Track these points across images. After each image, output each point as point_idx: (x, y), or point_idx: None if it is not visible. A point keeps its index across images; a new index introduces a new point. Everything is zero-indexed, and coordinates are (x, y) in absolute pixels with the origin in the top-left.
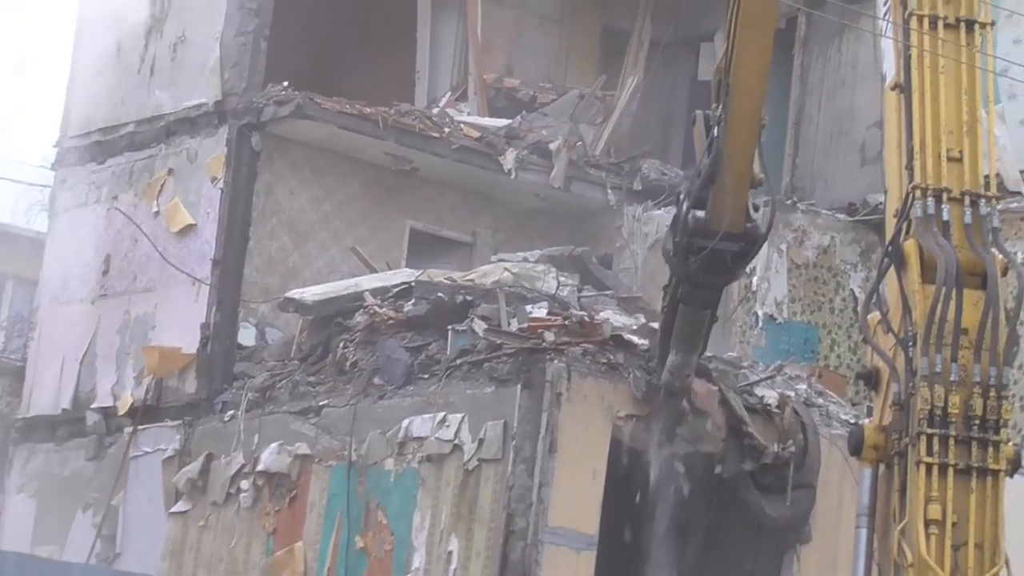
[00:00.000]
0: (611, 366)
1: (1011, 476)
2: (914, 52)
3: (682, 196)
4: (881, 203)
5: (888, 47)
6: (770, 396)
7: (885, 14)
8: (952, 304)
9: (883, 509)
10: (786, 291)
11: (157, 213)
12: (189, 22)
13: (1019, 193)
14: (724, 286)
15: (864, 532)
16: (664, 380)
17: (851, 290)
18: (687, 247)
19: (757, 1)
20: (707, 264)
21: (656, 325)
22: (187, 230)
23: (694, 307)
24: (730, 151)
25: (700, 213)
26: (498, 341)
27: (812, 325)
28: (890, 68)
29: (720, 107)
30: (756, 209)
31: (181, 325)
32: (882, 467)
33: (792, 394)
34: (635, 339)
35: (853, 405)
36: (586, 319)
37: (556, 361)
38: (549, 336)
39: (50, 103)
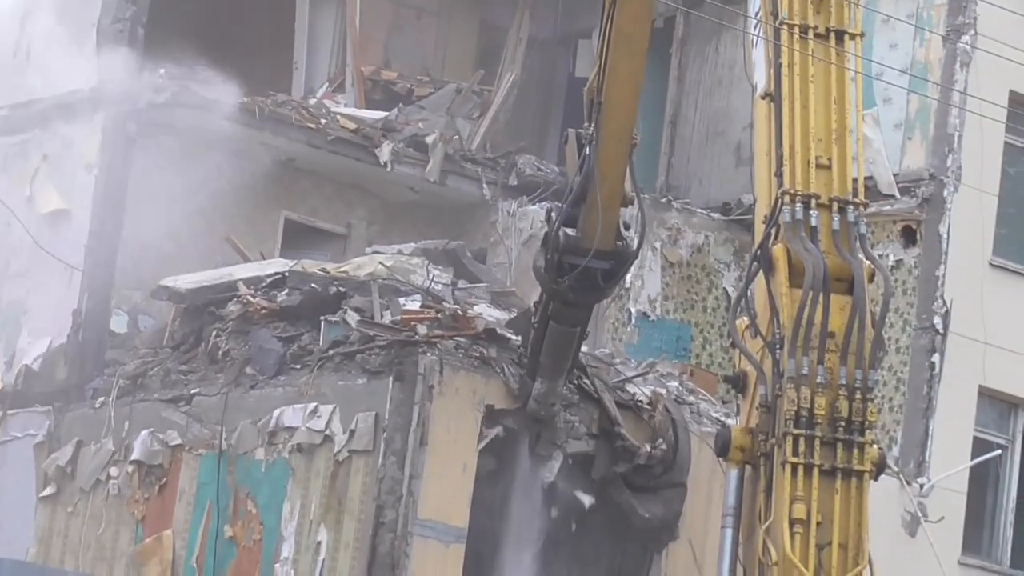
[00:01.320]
0: (484, 360)
1: (875, 478)
2: (784, 61)
3: (552, 214)
4: (754, 204)
5: (759, 58)
6: (642, 393)
7: (756, 26)
8: (819, 308)
9: (749, 509)
10: (659, 289)
11: (31, 198)
12: (65, 8)
13: (892, 196)
14: (595, 304)
15: (729, 532)
16: (530, 408)
17: (724, 289)
18: (558, 265)
19: (629, 20)
20: (578, 282)
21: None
22: (59, 215)
23: (564, 325)
24: (602, 169)
25: (571, 231)
26: (371, 333)
27: (685, 323)
28: (760, 78)
29: (592, 126)
30: (627, 227)
31: (53, 311)
32: (748, 468)
33: (664, 391)
34: (508, 334)
35: (724, 403)
36: (459, 312)
37: (429, 354)
38: (422, 329)
39: None
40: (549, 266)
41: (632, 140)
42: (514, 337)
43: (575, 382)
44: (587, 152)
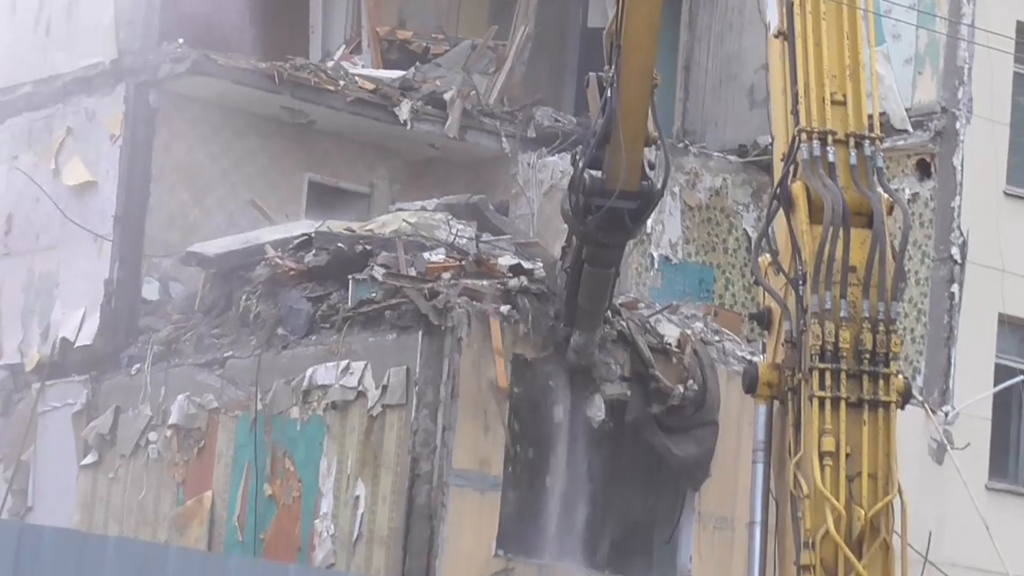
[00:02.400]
0: (509, 312)
1: (902, 408)
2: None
3: (578, 157)
4: (771, 144)
5: None
6: (670, 335)
7: None
8: (840, 243)
9: (779, 444)
10: (680, 233)
11: (57, 172)
12: None
13: (906, 131)
14: (624, 244)
15: (760, 467)
16: (569, 359)
17: (744, 230)
18: (585, 207)
19: None
20: (606, 223)
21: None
22: (87, 187)
23: (599, 267)
24: (623, 110)
25: (596, 173)
26: (398, 285)
27: (707, 265)
28: (773, 17)
29: (612, 68)
30: (651, 167)
31: (85, 282)
32: (776, 403)
33: (690, 332)
34: (531, 266)
35: (748, 342)
36: (483, 259)
37: (457, 307)
38: (446, 276)
39: None
40: (576, 209)
41: (652, 80)
42: (537, 268)
43: (608, 326)
44: (608, 94)
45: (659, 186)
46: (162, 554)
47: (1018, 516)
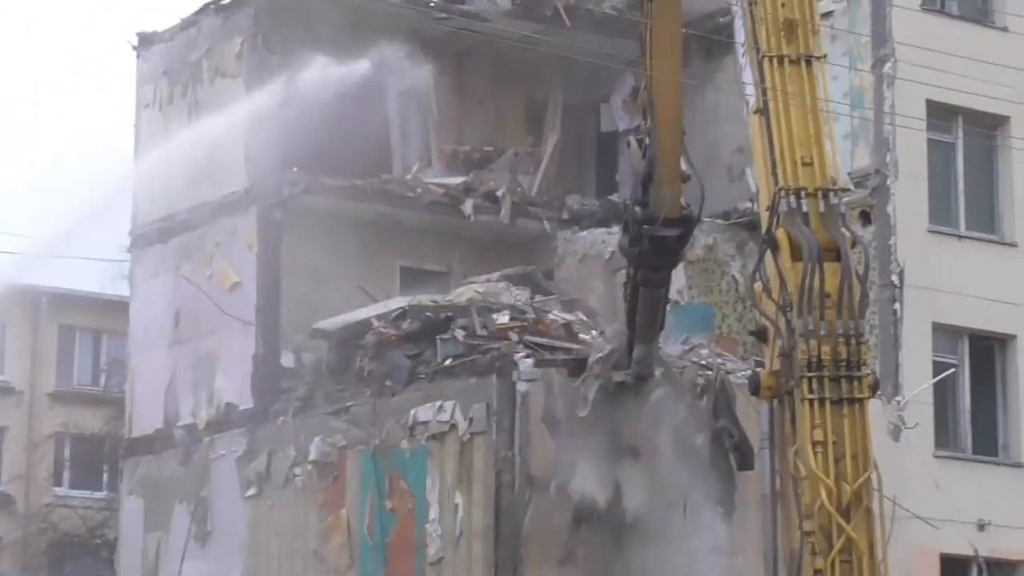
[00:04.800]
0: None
1: (872, 397)
2: (769, 84)
3: (628, 201)
4: (748, 209)
5: (748, 79)
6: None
7: (743, 54)
8: (816, 276)
9: (780, 434)
10: (684, 281)
11: (211, 276)
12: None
13: (849, 189)
14: (672, 267)
15: (767, 452)
16: (633, 370)
17: (732, 275)
18: (638, 236)
19: (665, 31)
20: (655, 248)
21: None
22: (234, 287)
23: (651, 287)
24: (662, 152)
25: (645, 207)
26: (474, 343)
27: (706, 305)
28: (751, 97)
29: (649, 121)
30: (686, 206)
31: (238, 358)
32: (776, 402)
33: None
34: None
35: (743, 360)
36: (539, 316)
37: (524, 356)
38: (513, 336)
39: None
40: (632, 240)
41: (682, 129)
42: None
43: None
44: (647, 142)
45: (697, 213)
46: None
47: (959, 475)
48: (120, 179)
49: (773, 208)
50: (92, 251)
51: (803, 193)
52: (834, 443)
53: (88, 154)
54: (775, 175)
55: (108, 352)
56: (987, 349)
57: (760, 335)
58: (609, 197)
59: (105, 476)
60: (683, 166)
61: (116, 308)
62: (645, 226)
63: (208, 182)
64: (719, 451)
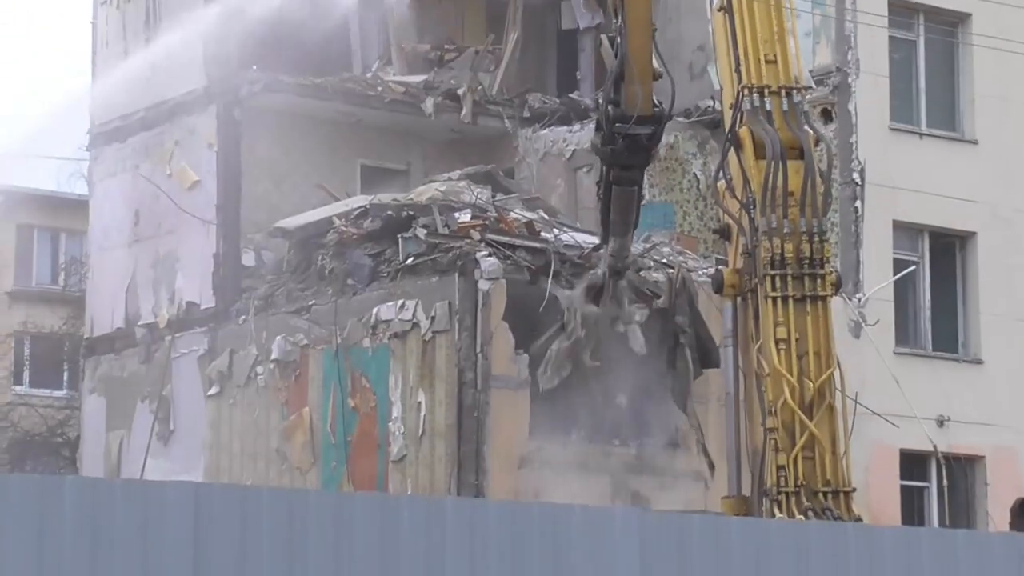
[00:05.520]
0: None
1: (835, 295)
2: None
3: (600, 100)
4: (709, 107)
5: None
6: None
7: None
8: (780, 174)
9: (743, 332)
10: (646, 180)
11: (170, 175)
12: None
13: (811, 87)
14: (646, 164)
15: (730, 351)
16: (609, 263)
17: (694, 173)
18: (611, 135)
19: None
20: (628, 147)
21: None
22: (194, 186)
23: (625, 185)
24: (633, 51)
25: (617, 107)
26: (436, 242)
27: (668, 203)
28: None
29: (620, 19)
30: (658, 104)
31: (198, 257)
32: (738, 300)
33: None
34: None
35: (704, 258)
36: (501, 215)
37: (486, 255)
38: (475, 235)
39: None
40: (604, 140)
41: (652, 26)
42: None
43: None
44: (618, 40)
45: (668, 110)
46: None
47: (919, 372)
48: (77, 79)
49: (736, 106)
50: (49, 150)
51: (767, 91)
52: (797, 340)
53: (45, 53)
54: (738, 73)
55: (67, 251)
56: (947, 246)
57: (723, 233)
58: (570, 95)
59: (65, 375)
60: (655, 63)
61: (74, 207)
62: (618, 124)
63: (167, 81)
64: (674, 349)
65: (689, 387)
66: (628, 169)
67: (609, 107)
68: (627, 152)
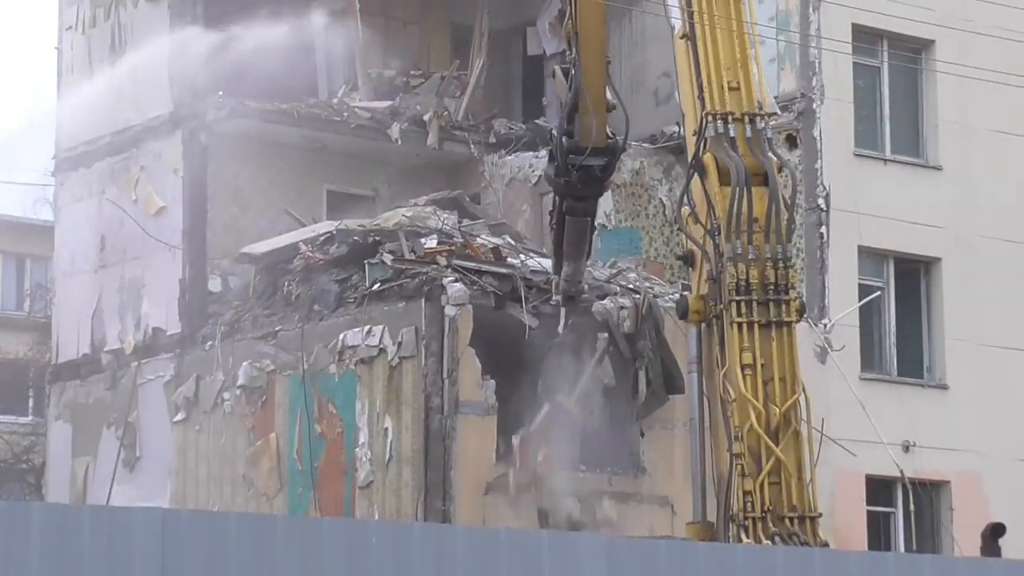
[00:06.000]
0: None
1: (800, 320)
2: (695, 8)
3: (553, 131)
4: (675, 133)
5: (674, 3)
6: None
7: None
8: (744, 200)
9: (708, 357)
10: (612, 205)
11: (136, 200)
12: (142, 54)
13: (775, 113)
14: (599, 196)
15: (695, 376)
16: (562, 288)
17: (660, 199)
18: (565, 167)
19: None
20: (582, 178)
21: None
22: (160, 211)
23: (578, 216)
24: (588, 82)
25: (571, 138)
26: (403, 268)
27: (634, 228)
28: (676, 22)
29: (574, 51)
30: (612, 136)
31: (164, 282)
32: (703, 326)
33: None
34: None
35: (671, 284)
36: (467, 240)
37: (453, 281)
38: (442, 260)
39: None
40: (558, 171)
41: (606, 57)
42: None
43: None
44: (572, 72)
45: (622, 142)
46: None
47: (885, 397)
48: (43, 103)
49: (700, 133)
50: (13, 175)
51: (730, 117)
52: (762, 366)
53: (10, 77)
54: (702, 99)
55: (32, 277)
56: (912, 272)
57: (688, 259)
58: (536, 121)
59: (31, 401)
60: (608, 95)
61: (40, 232)
62: (571, 156)
63: (132, 106)
64: (634, 375)
65: (651, 412)
66: (582, 200)
67: (563, 138)
68: (580, 183)
